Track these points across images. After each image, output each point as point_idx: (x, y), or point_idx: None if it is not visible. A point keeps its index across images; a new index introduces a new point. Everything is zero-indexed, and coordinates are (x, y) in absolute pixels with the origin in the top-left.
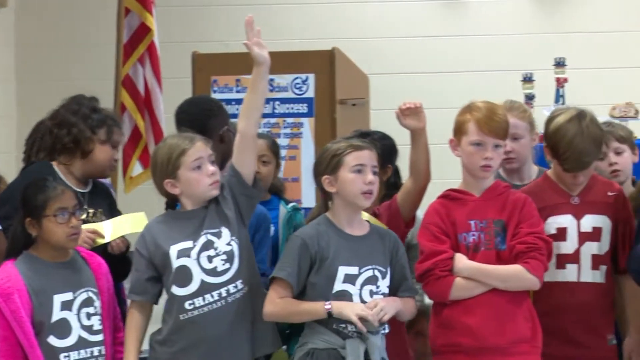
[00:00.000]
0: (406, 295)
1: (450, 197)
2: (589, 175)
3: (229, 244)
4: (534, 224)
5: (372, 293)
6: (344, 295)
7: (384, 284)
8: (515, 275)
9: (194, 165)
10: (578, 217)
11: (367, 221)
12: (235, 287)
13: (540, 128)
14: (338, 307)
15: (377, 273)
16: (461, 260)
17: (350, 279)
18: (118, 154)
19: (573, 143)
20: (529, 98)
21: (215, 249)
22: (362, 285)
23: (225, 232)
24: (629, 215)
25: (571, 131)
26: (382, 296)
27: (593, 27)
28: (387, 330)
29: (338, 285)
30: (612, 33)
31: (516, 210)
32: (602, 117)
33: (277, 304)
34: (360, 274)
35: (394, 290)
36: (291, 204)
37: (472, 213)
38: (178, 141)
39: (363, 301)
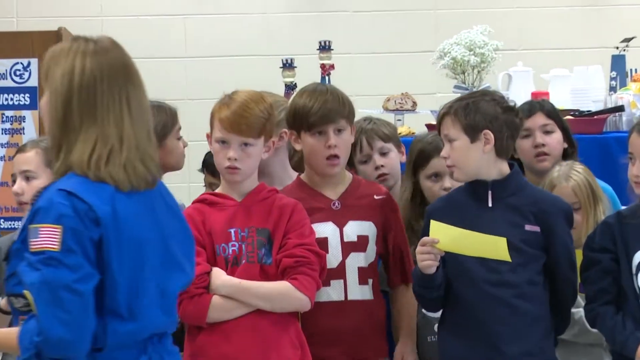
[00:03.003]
0: None
1: (207, 201)
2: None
3: None
4: (304, 234)
5: None
6: None
7: None
8: (281, 293)
9: None
10: (340, 224)
11: None
12: None
13: None
14: None
15: None
16: (219, 276)
17: None
18: None
19: (310, 101)
20: (290, 88)
21: None
22: None
23: None
24: (398, 222)
25: (306, 98)
26: None
27: (362, 5)
28: None
29: None
30: (384, 12)
31: (283, 218)
32: (375, 110)
33: None
34: None
35: None
36: None
37: (232, 220)
38: None
39: None
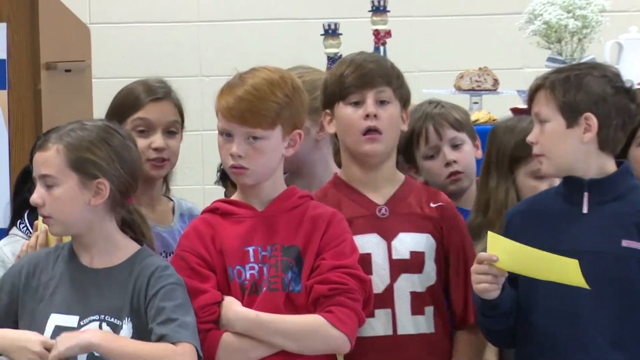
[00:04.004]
0: None
1: (219, 211)
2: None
3: None
4: (343, 252)
5: (93, 358)
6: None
7: None
8: (311, 330)
9: None
10: (388, 236)
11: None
12: None
13: None
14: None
15: (106, 327)
16: (232, 307)
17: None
18: None
19: (345, 67)
20: (334, 61)
21: None
22: None
23: None
24: (462, 236)
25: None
26: None
27: None
28: None
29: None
30: None
31: (317, 232)
32: (444, 90)
33: None
34: (80, 326)
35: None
36: None
37: (250, 236)
38: None
39: None
